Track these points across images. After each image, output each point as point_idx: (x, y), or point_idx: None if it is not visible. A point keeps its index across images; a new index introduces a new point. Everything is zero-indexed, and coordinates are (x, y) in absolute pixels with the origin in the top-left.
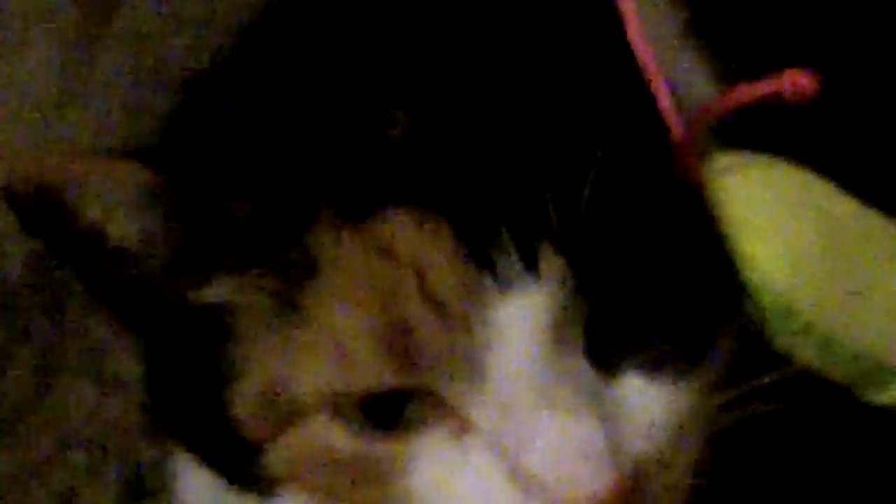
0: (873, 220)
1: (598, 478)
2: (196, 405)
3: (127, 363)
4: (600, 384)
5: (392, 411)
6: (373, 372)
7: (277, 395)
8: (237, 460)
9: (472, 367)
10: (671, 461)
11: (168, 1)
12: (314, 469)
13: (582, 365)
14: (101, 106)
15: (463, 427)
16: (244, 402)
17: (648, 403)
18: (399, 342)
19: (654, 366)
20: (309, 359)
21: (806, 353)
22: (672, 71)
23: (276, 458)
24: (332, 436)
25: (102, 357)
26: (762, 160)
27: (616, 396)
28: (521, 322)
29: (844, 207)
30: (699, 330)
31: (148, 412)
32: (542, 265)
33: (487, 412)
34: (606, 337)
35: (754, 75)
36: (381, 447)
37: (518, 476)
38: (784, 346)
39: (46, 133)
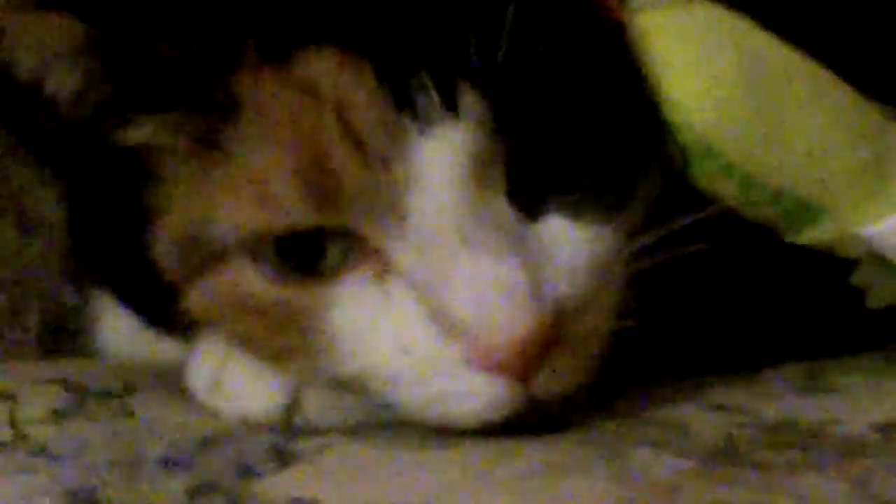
0: (795, 59)
1: (520, 319)
2: (117, 248)
3: (49, 206)
4: (522, 226)
5: (311, 254)
6: (293, 211)
7: (197, 236)
8: (156, 303)
9: (392, 206)
10: (593, 303)
11: None
12: (232, 314)
13: (504, 206)
14: None
15: (384, 269)
16: (164, 243)
17: (570, 245)
18: (320, 181)
19: (576, 207)
20: (229, 198)
21: (728, 193)
22: None
23: (194, 301)
24: (251, 280)
25: (24, 200)
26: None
27: (538, 238)
28: (441, 161)
29: (767, 46)
30: (621, 171)
31: (69, 255)
32: (462, 104)
33: (408, 253)
34: (528, 178)
35: None
36: (300, 292)
37: (439, 317)
38: (706, 187)
39: None
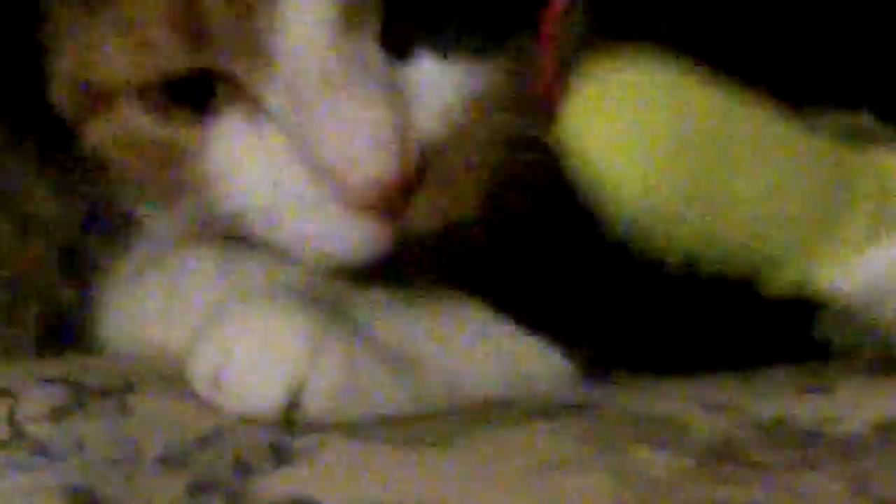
0: (738, 115)
1: (383, 161)
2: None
3: (46, 204)
4: (393, 67)
5: (193, 97)
6: (169, 55)
7: (86, 79)
8: (62, 143)
9: (260, 48)
10: (466, 139)
11: None
12: (122, 154)
13: (373, 48)
14: None
15: (257, 110)
16: (58, 83)
17: (440, 84)
18: (193, 25)
19: (446, 47)
20: (111, 43)
21: (677, 258)
22: None
23: (90, 141)
24: (136, 120)
25: (21, 197)
26: (619, 60)
27: (408, 79)
28: (307, 3)
29: (706, 108)
30: (495, 12)
31: (69, 251)
32: None
33: (277, 95)
34: (399, 19)
35: None
36: (181, 131)
37: (308, 159)
38: (654, 253)
39: None
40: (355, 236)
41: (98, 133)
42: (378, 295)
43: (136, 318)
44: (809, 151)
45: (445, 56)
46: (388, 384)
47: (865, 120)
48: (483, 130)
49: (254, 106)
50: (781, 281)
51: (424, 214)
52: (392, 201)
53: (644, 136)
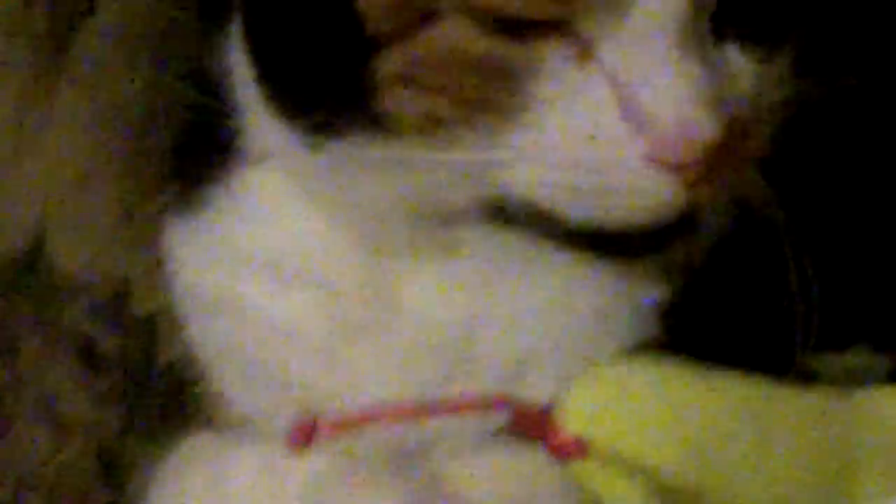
0: (739, 405)
1: (709, 125)
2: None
3: (82, 408)
4: (713, 46)
5: (525, 29)
6: None
7: None
8: (346, 65)
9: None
10: (751, 133)
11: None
12: (436, 72)
13: (706, 23)
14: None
15: (587, 57)
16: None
17: (742, 74)
18: None
19: (747, 40)
20: None
21: None
22: None
23: (400, 55)
24: (466, 36)
25: (57, 402)
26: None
27: (721, 61)
28: None
29: (707, 401)
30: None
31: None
32: None
33: (617, 46)
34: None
35: None
36: (510, 51)
37: (631, 112)
38: None
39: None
40: (657, 196)
41: (416, 48)
42: None
43: None
44: (807, 419)
45: (744, 49)
46: None
47: (862, 356)
48: (760, 125)
49: (584, 52)
50: None
51: (711, 191)
52: (703, 164)
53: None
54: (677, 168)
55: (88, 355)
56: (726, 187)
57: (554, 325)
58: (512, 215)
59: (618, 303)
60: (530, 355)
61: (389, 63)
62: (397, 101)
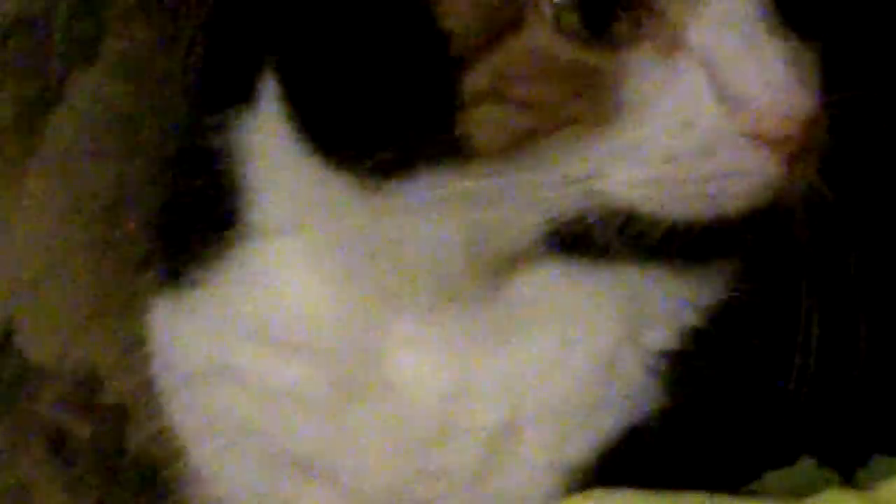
0: None
1: (806, 102)
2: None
3: (55, 498)
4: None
5: (606, 18)
6: None
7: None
8: (425, 92)
9: None
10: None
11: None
12: (522, 81)
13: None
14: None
15: (673, 44)
16: (460, 11)
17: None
18: None
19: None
20: None
21: None
22: None
23: (486, 70)
24: (550, 41)
25: (30, 491)
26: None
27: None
28: None
29: None
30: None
31: None
32: None
33: (705, 28)
34: None
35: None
36: (594, 57)
37: (727, 93)
38: None
39: None
40: (759, 172)
41: (501, 60)
42: None
43: None
44: None
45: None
46: None
47: (808, 469)
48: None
49: (669, 38)
50: None
51: (807, 170)
52: (800, 140)
53: None
54: (777, 143)
55: (60, 444)
56: (815, 172)
57: (551, 385)
58: (583, 234)
59: (618, 361)
60: (524, 417)
61: (475, 80)
62: (484, 121)
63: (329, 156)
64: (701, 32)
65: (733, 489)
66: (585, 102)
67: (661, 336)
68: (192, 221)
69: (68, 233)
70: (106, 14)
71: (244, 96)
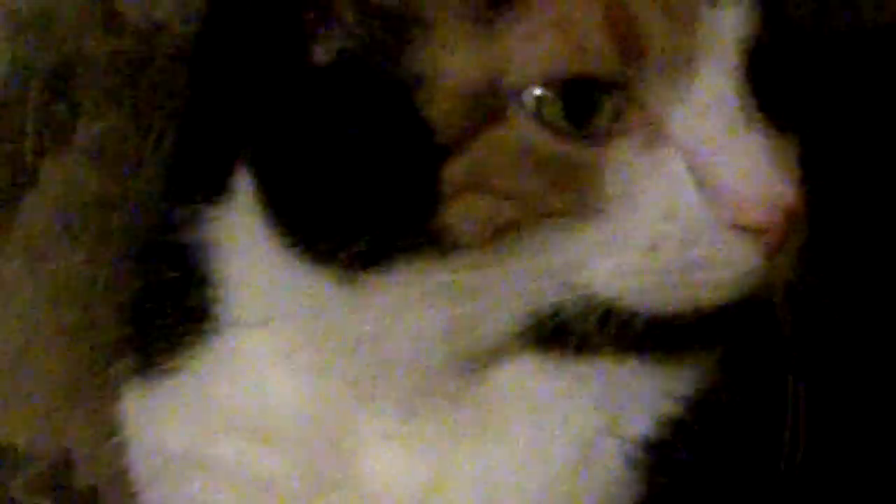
0: None
1: (786, 191)
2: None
3: None
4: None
5: (586, 110)
6: (597, 55)
7: (478, 92)
8: (406, 182)
9: (684, 70)
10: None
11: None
12: (504, 172)
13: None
14: None
15: (655, 135)
16: (443, 101)
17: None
18: (626, 32)
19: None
20: (524, 46)
21: None
22: None
23: (468, 160)
24: (531, 133)
25: None
26: None
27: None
28: (731, 31)
29: None
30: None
31: None
32: None
33: (687, 119)
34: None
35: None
36: (575, 149)
37: (709, 184)
38: None
39: None
40: (742, 262)
41: (480, 153)
42: None
43: None
44: None
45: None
46: None
47: None
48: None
49: (651, 129)
50: None
51: (780, 265)
52: (783, 229)
53: None
54: (760, 233)
55: None
56: (796, 260)
57: (528, 477)
58: (562, 326)
59: (596, 451)
60: None
61: (456, 170)
62: (465, 212)
63: (304, 248)
64: (682, 124)
65: None
66: (567, 194)
67: (640, 426)
68: (164, 312)
69: (40, 317)
70: (79, 99)
71: (216, 189)
